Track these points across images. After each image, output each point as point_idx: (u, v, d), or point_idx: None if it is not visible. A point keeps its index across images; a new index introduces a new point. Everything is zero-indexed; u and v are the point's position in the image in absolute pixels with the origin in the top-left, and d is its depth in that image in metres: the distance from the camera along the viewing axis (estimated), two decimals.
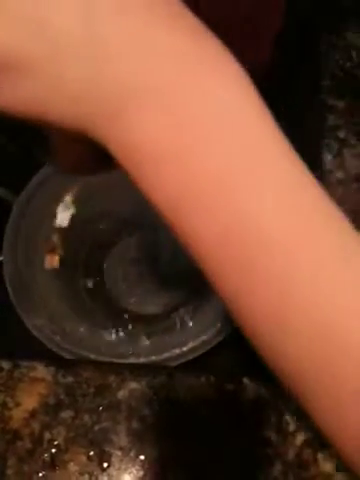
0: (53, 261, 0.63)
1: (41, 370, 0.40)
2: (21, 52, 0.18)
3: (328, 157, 0.48)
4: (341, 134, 0.49)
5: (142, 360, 0.53)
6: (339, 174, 0.47)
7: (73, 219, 0.65)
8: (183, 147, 0.19)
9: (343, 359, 0.19)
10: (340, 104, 0.50)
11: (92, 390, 0.39)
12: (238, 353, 0.53)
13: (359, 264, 0.20)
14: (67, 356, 0.53)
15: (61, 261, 0.63)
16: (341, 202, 0.46)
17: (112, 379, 0.40)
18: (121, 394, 0.39)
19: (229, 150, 0.19)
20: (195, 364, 0.50)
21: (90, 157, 0.24)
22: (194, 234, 0.20)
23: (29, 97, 0.19)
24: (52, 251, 0.63)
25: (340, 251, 0.20)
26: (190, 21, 0.20)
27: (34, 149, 0.61)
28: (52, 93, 0.19)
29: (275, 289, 0.19)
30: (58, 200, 0.63)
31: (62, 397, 0.39)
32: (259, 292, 0.20)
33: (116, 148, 0.20)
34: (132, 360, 0.53)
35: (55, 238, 0.64)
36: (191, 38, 0.19)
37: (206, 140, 0.19)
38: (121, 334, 0.58)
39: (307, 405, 0.22)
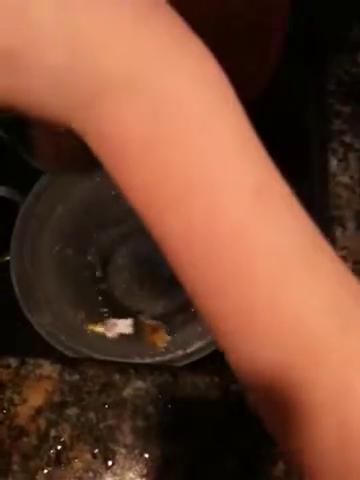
0: None
1: (47, 367, 0.41)
2: (1, 41, 0.19)
3: (333, 161, 0.48)
4: (347, 138, 0.50)
5: (147, 361, 0.53)
6: (344, 178, 0.48)
7: (80, 220, 0.65)
8: (154, 139, 0.19)
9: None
10: (346, 109, 0.51)
11: (97, 388, 0.40)
12: None
13: (319, 264, 0.21)
14: (72, 355, 0.53)
15: (68, 261, 0.64)
16: (346, 206, 0.47)
17: (117, 377, 0.40)
18: (126, 392, 0.40)
19: (201, 147, 0.19)
20: (199, 364, 0.50)
21: (71, 153, 0.25)
22: (163, 228, 0.20)
23: (9, 85, 0.20)
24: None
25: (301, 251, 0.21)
26: (169, 17, 0.20)
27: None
28: (31, 81, 0.20)
29: (239, 286, 0.20)
30: (65, 201, 0.64)
31: (68, 394, 0.40)
32: (225, 290, 0.20)
33: (91, 138, 0.20)
34: (137, 361, 0.53)
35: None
36: (170, 34, 0.20)
37: (176, 136, 0.19)
38: (126, 334, 0.58)
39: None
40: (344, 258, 0.45)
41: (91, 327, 0.58)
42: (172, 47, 0.20)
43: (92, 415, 0.39)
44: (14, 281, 0.58)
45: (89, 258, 0.66)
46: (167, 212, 0.20)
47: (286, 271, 0.20)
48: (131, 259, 0.66)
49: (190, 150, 0.19)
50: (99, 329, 0.58)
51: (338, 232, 0.46)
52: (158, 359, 0.54)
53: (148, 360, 0.53)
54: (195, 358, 0.52)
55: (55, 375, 0.40)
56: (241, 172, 0.20)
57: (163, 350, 0.54)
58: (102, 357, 0.53)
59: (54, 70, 0.19)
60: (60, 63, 0.19)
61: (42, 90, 0.20)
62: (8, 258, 0.61)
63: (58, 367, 0.41)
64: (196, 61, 0.20)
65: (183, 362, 0.53)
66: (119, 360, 0.52)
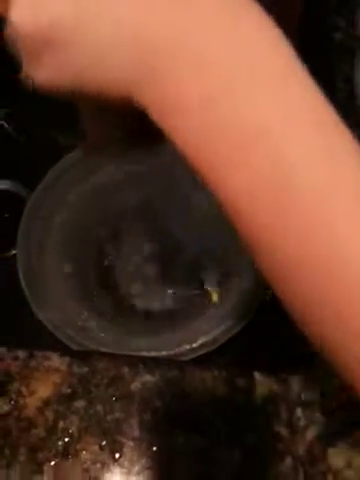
0: None
1: (56, 360, 0.41)
2: (62, 23, 0.20)
3: None
4: None
5: (153, 354, 0.54)
6: None
7: (86, 215, 0.65)
8: (214, 95, 0.19)
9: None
10: (345, 110, 0.51)
11: (106, 381, 0.40)
12: (250, 348, 0.53)
13: None
14: (78, 348, 0.53)
15: (74, 255, 0.64)
16: None
17: (126, 371, 0.40)
18: (134, 386, 0.40)
19: (261, 100, 0.19)
20: (207, 358, 0.50)
21: (119, 133, 0.25)
22: (225, 184, 0.20)
23: (74, 66, 0.21)
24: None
25: None
26: None
27: (60, 136, 0.62)
28: (94, 59, 0.21)
29: (311, 236, 0.19)
30: (72, 196, 0.64)
31: (76, 387, 0.40)
32: (292, 239, 0.19)
33: (154, 107, 0.21)
34: (143, 354, 0.53)
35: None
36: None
37: (240, 89, 0.19)
38: (132, 329, 0.58)
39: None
40: None
41: (96, 322, 0.58)
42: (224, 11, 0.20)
43: (100, 408, 0.39)
44: (21, 275, 0.59)
45: (96, 253, 0.66)
46: (231, 169, 0.20)
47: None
48: (138, 254, 0.66)
49: (252, 103, 0.19)
50: (105, 324, 0.58)
51: None
52: (164, 353, 0.54)
53: (154, 354, 0.54)
54: (201, 352, 0.52)
55: (64, 367, 0.40)
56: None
57: (169, 345, 0.55)
58: (108, 351, 0.53)
59: (116, 48, 0.20)
60: (121, 40, 0.20)
61: (105, 67, 0.21)
62: (15, 252, 0.61)
63: (67, 360, 0.41)
64: (256, 24, 0.21)
65: (189, 356, 0.53)
66: (126, 353, 0.52)
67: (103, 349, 0.54)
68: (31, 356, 0.41)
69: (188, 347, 0.54)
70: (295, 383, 0.40)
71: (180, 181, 0.65)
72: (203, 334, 0.54)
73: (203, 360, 0.49)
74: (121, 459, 0.38)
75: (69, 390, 0.40)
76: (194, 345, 0.54)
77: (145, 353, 0.53)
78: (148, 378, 0.40)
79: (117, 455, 0.38)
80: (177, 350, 0.53)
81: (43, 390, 0.40)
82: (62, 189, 0.64)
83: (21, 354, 0.41)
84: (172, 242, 0.65)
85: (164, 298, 0.63)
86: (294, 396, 0.40)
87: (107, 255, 0.66)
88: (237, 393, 0.40)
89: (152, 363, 0.41)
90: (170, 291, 0.62)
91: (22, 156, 0.69)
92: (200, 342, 0.54)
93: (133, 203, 0.67)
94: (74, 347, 0.54)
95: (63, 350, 0.42)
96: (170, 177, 0.66)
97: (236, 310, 0.54)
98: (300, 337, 0.48)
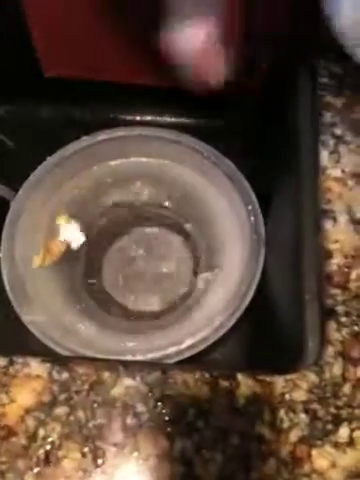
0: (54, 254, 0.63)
1: (36, 367, 0.40)
2: None
3: (324, 154, 0.48)
4: (338, 131, 0.49)
5: (139, 357, 0.53)
6: (335, 171, 0.47)
7: (73, 215, 0.65)
8: None
9: None
10: (337, 101, 0.50)
11: (87, 387, 0.39)
12: (233, 350, 0.53)
13: None
14: (64, 353, 0.53)
15: (61, 258, 0.63)
16: (337, 199, 0.46)
17: (107, 376, 0.40)
18: (115, 391, 0.39)
19: None
20: (189, 361, 0.50)
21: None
22: None
23: None
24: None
25: None
26: None
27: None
28: None
29: None
30: (56, 197, 0.64)
31: (57, 394, 0.39)
32: None
33: None
34: (128, 357, 0.53)
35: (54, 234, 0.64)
36: None
37: None
38: (118, 331, 0.58)
39: None
40: (335, 252, 0.44)
41: (82, 324, 0.57)
42: None
43: (81, 414, 0.39)
44: (5, 279, 0.58)
45: (81, 254, 0.65)
46: None
47: None
48: (124, 256, 0.65)
49: None
50: (91, 326, 0.57)
51: (329, 225, 0.45)
52: (150, 356, 0.53)
53: (140, 357, 0.53)
54: (187, 355, 0.52)
55: (44, 374, 0.40)
56: None
57: (156, 347, 0.54)
58: (95, 355, 0.53)
59: None
60: None
61: None
62: None
63: (47, 366, 0.40)
64: None
65: (175, 359, 0.52)
66: (111, 358, 0.52)
67: (89, 352, 0.53)
68: (11, 363, 0.40)
69: (175, 349, 0.53)
70: (278, 384, 0.40)
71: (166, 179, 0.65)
72: (190, 336, 0.54)
73: (186, 362, 0.48)
74: (104, 465, 0.38)
75: (50, 397, 0.39)
76: (181, 347, 0.53)
77: (130, 357, 0.53)
78: (130, 382, 0.40)
79: (100, 461, 0.38)
80: (164, 353, 0.53)
81: (23, 398, 0.39)
82: (46, 190, 0.64)
83: (1, 361, 0.40)
84: (163, 248, 0.65)
85: (153, 301, 0.63)
86: (277, 397, 0.39)
87: (96, 256, 0.66)
88: (220, 395, 0.39)
89: (133, 367, 0.40)
90: (156, 293, 0.62)
91: (7, 158, 0.68)
92: (187, 344, 0.53)
93: (119, 204, 0.67)
94: (59, 350, 0.53)
95: (46, 355, 0.42)
96: (158, 176, 0.65)
97: (223, 310, 0.53)
98: (283, 339, 0.48)
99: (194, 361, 0.50)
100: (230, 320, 0.53)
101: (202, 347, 0.53)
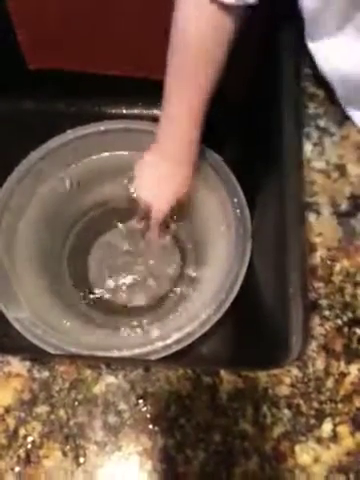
0: None
1: (16, 365, 0.40)
2: None
3: (308, 146, 0.47)
4: (321, 123, 0.48)
5: (125, 353, 0.53)
6: (319, 163, 0.47)
7: (58, 210, 0.64)
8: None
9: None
10: (320, 92, 0.50)
11: (67, 385, 0.39)
12: (217, 345, 0.52)
13: None
14: (49, 349, 0.53)
15: (45, 253, 0.63)
16: (321, 191, 0.46)
17: (88, 373, 0.39)
18: (97, 388, 0.39)
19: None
20: (175, 356, 0.50)
21: None
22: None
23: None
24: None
25: None
26: None
27: None
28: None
29: None
30: (38, 194, 0.63)
31: (37, 392, 0.39)
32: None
33: None
34: (115, 353, 0.52)
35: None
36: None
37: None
38: (104, 327, 0.57)
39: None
40: (319, 245, 0.44)
41: (68, 320, 0.57)
42: None
43: (62, 413, 0.38)
44: None
45: (66, 249, 0.65)
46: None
47: None
48: (109, 251, 0.65)
49: None
50: (77, 322, 0.57)
51: (312, 218, 0.45)
52: (137, 351, 0.53)
53: (126, 353, 0.53)
54: (174, 350, 0.52)
55: (24, 372, 0.39)
56: None
57: (142, 342, 0.54)
58: (80, 351, 0.52)
59: None
60: None
61: None
62: None
63: (27, 364, 0.40)
64: None
65: (162, 354, 0.52)
66: (97, 354, 0.51)
67: (74, 349, 0.53)
68: None
69: (161, 344, 0.53)
70: (262, 379, 0.39)
71: None
72: (176, 330, 0.53)
73: (168, 359, 0.48)
74: (85, 464, 0.37)
75: (30, 396, 0.39)
76: (168, 341, 0.53)
77: (116, 352, 0.52)
78: (111, 380, 0.39)
79: (81, 460, 0.37)
80: (150, 348, 0.52)
81: (3, 396, 0.39)
82: (31, 185, 0.63)
83: None
84: (153, 242, 0.64)
85: (139, 296, 0.62)
86: (260, 393, 0.39)
87: (83, 251, 0.65)
88: (203, 391, 0.39)
89: (115, 364, 0.40)
90: (143, 289, 0.61)
91: None
92: (174, 338, 0.53)
93: (104, 198, 0.66)
94: (44, 347, 0.53)
95: (26, 353, 0.41)
96: None
97: (208, 305, 0.53)
98: (267, 334, 0.47)
99: (179, 357, 0.49)
100: (216, 314, 0.52)
101: (188, 342, 0.52)
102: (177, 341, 0.53)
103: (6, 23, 0.63)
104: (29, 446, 0.38)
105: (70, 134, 0.63)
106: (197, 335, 0.53)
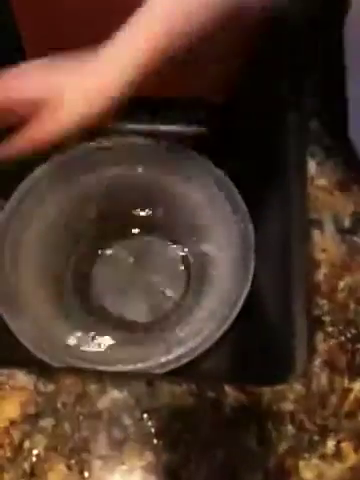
0: None
1: (22, 378, 0.40)
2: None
3: (312, 164, 0.48)
4: (326, 141, 0.49)
5: (129, 367, 0.53)
6: (323, 181, 0.47)
7: (60, 224, 0.65)
8: None
9: None
10: (325, 111, 0.50)
11: (73, 399, 0.39)
12: (221, 360, 0.53)
13: None
14: (53, 363, 0.53)
15: (49, 267, 0.63)
16: (324, 208, 0.46)
17: (93, 387, 0.40)
18: (102, 403, 0.39)
19: None
20: (178, 372, 0.50)
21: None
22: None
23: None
24: None
25: None
26: None
27: None
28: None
29: None
30: (46, 204, 0.63)
31: (42, 405, 0.39)
32: None
33: None
34: (119, 367, 0.53)
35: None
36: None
37: None
38: (108, 341, 0.57)
39: None
40: (322, 261, 0.44)
41: (72, 334, 0.57)
42: None
43: (67, 426, 0.39)
44: None
45: (71, 264, 0.65)
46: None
47: None
48: (113, 265, 0.65)
49: None
50: (80, 336, 0.57)
51: (316, 235, 0.45)
52: (140, 366, 0.53)
53: (130, 367, 0.53)
54: (176, 365, 0.52)
55: (30, 386, 0.40)
56: None
57: (145, 357, 0.54)
58: (83, 364, 0.53)
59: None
60: None
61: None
62: None
63: (33, 378, 0.40)
64: None
65: (164, 369, 0.52)
66: (99, 368, 0.51)
67: (79, 363, 0.53)
68: None
69: (164, 359, 0.53)
70: (266, 396, 0.39)
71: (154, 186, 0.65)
72: (179, 345, 0.53)
73: (172, 374, 0.48)
74: (90, 478, 0.37)
75: (35, 409, 0.39)
76: (170, 357, 0.53)
77: (121, 366, 0.52)
78: (116, 394, 0.39)
79: (86, 474, 0.38)
80: (153, 363, 0.53)
81: (9, 410, 0.39)
82: (37, 198, 0.63)
83: None
84: (154, 257, 0.65)
85: (142, 310, 0.63)
86: (265, 409, 0.39)
87: (86, 266, 0.65)
88: (207, 407, 0.39)
89: (120, 378, 0.40)
90: (146, 303, 0.62)
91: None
92: (176, 354, 0.53)
93: (109, 212, 0.66)
94: (48, 360, 0.53)
95: (31, 366, 0.41)
96: (148, 186, 0.65)
97: (212, 320, 0.53)
98: (271, 350, 0.48)
99: (182, 372, 0.50)
100: (219, 330, 0.53)
101: (191, 357, 0.52)
102: (180, 356, 0.53)
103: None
104: (34, 459, 0.38)
105: (74, 150, 0.64)
106: (200, 350, 0.53)
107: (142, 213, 0.65)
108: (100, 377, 0.40)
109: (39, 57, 0.43)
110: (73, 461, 0.38)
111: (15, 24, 0.63)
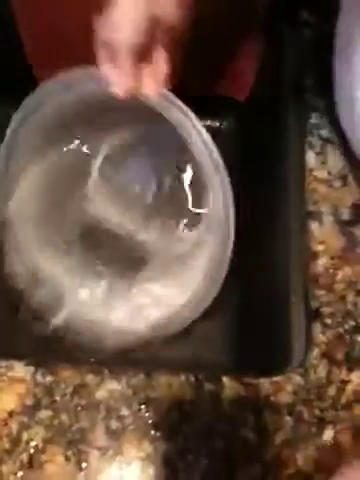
0: None
1: (20, 370, 0.40)
2: None
3: (311, 155, 0.48)
4: (324, 132, 0.49)
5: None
6: (321, 173, 0.47)
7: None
8: None
9: None
10: (323, 103, 0.50)
11: (70, 390, 0.39)
12: (217, 353, 0.53)
13: None
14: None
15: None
16: (323, 200, 0.46)
17: (91, 378, 0.40)
18: (99, 394, 0.39)
19: None
20: (174, 362, 0.50)
21: None
22: None
23: None
24: None
25: None
26: None
27: None
28: None
29: None
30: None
31: (40, 397, 0.39)
32: None
33: None
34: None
35: None
36: None
37: None
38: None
39: None
40: (321, 253, 0.44)
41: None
42: None
43: (65, 417, 0.39)
44: None
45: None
46: None
47: None
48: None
49: None
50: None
51: (315, 227, 0.45)
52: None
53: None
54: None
55: (28, 377, 0.40)
56: None
57: None
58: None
59: None
60: None
61: None
62: None
63: (31, 369, 0.40)
64: None
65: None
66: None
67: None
68: None
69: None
70: (263, 387, 0.39)
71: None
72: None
73: (171, 364, 0.48)
74: (87, 469, 0.38)
75: (33, 400, 0.39)
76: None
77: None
78: (114, 385, 0.40)
79: (83, 465, 0.38)
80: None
81: (7, 401, 0.39)
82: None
83: None
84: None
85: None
86: (262, 400, 0.39)
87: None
88: (204, 398, 0.39)
89: (117, 369, 0.40)
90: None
91: None
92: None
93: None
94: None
95: (29, 358, 0.41)
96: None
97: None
98: (269, 341, 0.47)
99: (177, 364, 0.49)
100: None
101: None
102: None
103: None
104: (32, 451, 0.38)
105: None
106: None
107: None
108: (98, 368, 0.40)
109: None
110: (71, 452, 0.38)
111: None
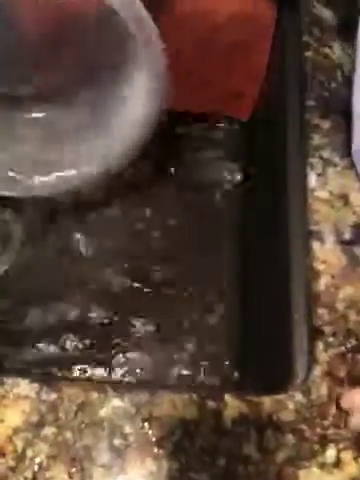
0: None
1: (25, 387, 0.41)
2: None
3: (312, 176, 0.49)
4: (325, 153, 0.50)
5: None
6: (323, 193, 0.48)
7: None
8: None
9: None
10: (325, 123, 0.51)
11: (75, 407, 0.40)
12: (220, 371, 0.53)
13: None
14: None
15: None
16: (324, 220, 0.47)
17: (95, 396, 0.40)
18: (104, 411, 0.40)
19: None
20: (177, 382, 0.50)
21: None
22: None
23: None
24: None
25: None
26: None
27: None
28: None
29: None
30: None
31: (45, 414, 0.40)
32: None
33: None
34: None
35: None
36: None
37: None
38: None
39: None
40: (323, 272, 0.45)
41: None
42: None
43: (69, 435, 0.39)
44: None
45: None
46: None
47: None
48: None
49: None
50: None
51: (316, 246, 0.46)
52: None
53: None
54: None
55: (32, 394, 0.40)
56: None
57: None
58: None
59: None
60: None
61: None
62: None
63: (36, 387, 0.40)
64: None
65: None
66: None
67: None
68: (0, 383, 0.41)
69: None
70: (266, 405, 0.40)
71: None
72: None
73: (174, 383, 0.49)
74: None
75: (38, 418, 0.39)
76: None
77: None
78: (117, 403, 0.40)
79: None
80: None
81: (12, 418, 0.39)
82: None
83: None
84: None
85: None
86: (265, 418, 0.39)
87: None
88: (207, 416, 0.40)
89: (121, 387, 0.40)
90: None
91: None
92: None
93: None
94: None
95: (35, 375, 0.42)
96: None
97: None
98: (271, 359, 0.48)
99: (180, 382, 0.50)
100: None
101: None
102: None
103: None
104: (36, 468, 0.38)
105: None
106: None
107: None
108: (102, 386, 0.41)
109: None
110: (74, 469, 0.38)
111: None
